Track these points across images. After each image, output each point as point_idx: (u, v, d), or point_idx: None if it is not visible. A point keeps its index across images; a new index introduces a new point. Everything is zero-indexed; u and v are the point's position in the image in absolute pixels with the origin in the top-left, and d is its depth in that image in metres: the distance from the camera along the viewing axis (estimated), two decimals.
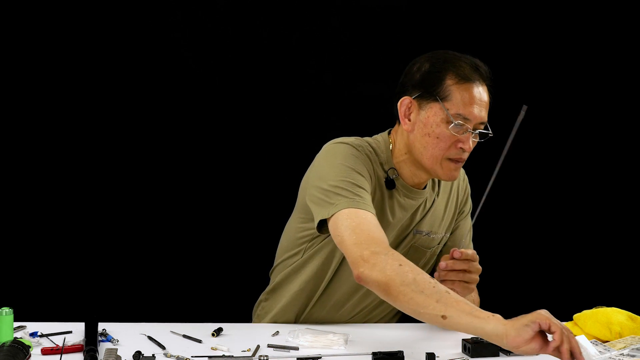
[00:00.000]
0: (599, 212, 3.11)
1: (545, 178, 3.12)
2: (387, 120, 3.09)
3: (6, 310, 1.94)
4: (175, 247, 3.05)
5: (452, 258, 2.01)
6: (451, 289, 1.87)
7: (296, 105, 3.11)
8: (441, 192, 2.30)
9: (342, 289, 2.22)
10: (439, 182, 2.29)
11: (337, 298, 2.24)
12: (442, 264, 2.01)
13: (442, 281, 2.00)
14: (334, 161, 2.06)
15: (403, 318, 2.35)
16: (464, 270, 2.01)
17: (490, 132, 2.09)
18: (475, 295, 2.26)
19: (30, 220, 3.10)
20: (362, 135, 2.24)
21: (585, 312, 2.03)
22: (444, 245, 2.34)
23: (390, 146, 2.17)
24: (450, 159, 2.07)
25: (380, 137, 2.21)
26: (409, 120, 2.10)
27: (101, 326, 2.04)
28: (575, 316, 2.04)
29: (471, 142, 2.06)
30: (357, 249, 1.87)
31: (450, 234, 2.34)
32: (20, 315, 2.08)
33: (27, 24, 3.03)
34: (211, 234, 3.13)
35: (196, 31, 3.07)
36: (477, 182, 3.11)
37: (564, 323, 2.05)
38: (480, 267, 2.04)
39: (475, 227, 3.11)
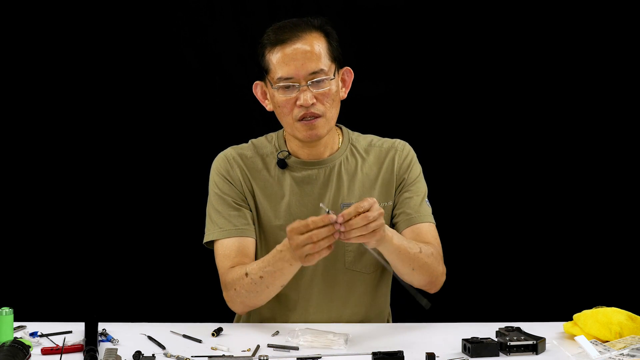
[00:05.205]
0: (598, 212, 3.11)
1: (546, 178, 3.12)
2: (388, 119, 3.10)
3: (6, 310, 1.94)
4: (175, 247, 3.05)
5: (338, 223, 1.91)
6: (366, 242, 1.97)
7: None
8: (370, 160, 2.30)
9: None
10: (358, 149, 2.31)
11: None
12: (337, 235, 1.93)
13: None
14: (209, 185, 2.31)
15: (402, 318, 2.35)
16: (366, 225, 1.92)
17: (325, 76, 2.14)
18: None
19: (30, 220, 3.10)
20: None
21: (585, 312, 2.02)
22: (397, 219, 2.28)
23: (284, 133, 2.29)
24: (302, 120, 2.16)
25: (281, 130, 2.32)
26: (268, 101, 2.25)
27: (101, 326, 2.04)
28: (575, 316, 2.03)
29: (309, 96, 2.12)
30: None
31: (401, 206, 2.28)
32: (20, 315, 2.08)
33: (27, 24, 3.03)
34: None
35: (196, 31, 3.07)
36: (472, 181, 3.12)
37: (564, 323, 2.05)
38: (375, 214, 1.92)
39: (475, 227, 3.13)
